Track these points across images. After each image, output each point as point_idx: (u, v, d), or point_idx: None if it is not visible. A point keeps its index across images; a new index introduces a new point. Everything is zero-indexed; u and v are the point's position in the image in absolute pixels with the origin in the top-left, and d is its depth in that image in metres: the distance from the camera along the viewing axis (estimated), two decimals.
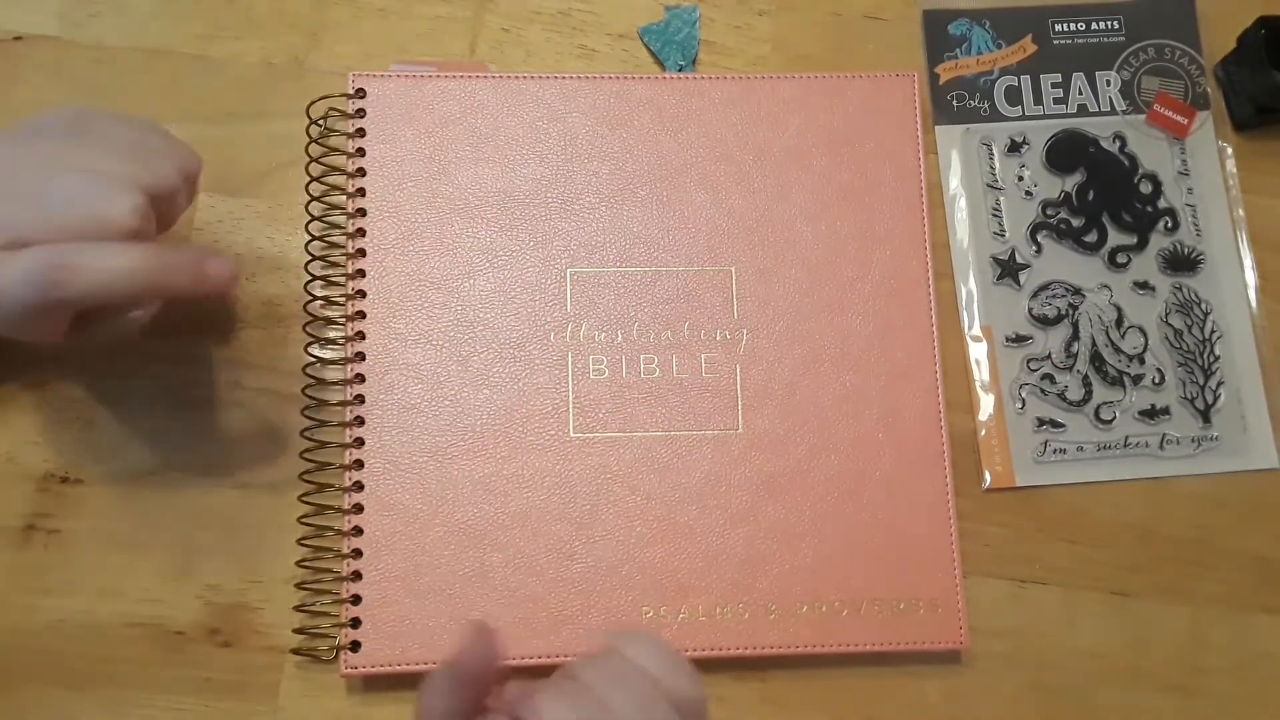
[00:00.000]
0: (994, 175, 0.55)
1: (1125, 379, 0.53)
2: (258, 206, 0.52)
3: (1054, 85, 0.56)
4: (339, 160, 0.51)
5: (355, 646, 0.46)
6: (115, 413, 0.49)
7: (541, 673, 0.45)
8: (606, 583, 0.47)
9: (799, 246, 0.52)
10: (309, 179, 0.51)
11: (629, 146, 0.52)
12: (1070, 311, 0.54)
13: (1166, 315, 0.54)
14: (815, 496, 0.49)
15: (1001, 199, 0.55)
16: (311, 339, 0.49)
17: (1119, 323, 0.54)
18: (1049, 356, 0.53)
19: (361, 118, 0.51)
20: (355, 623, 0.46)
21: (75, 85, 0.53)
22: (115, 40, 0.54)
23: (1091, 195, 0.55)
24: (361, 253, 0.50)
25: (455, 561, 0.47)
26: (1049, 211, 0.55)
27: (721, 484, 0.49)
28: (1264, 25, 0.55)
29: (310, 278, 0.50)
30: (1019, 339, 0.53)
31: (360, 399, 0.48)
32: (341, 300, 0.50)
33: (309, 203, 0.51)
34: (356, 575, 0.46)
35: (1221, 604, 0.51)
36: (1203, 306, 0.54)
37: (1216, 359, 0.54)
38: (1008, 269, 0.54)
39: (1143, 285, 0.54)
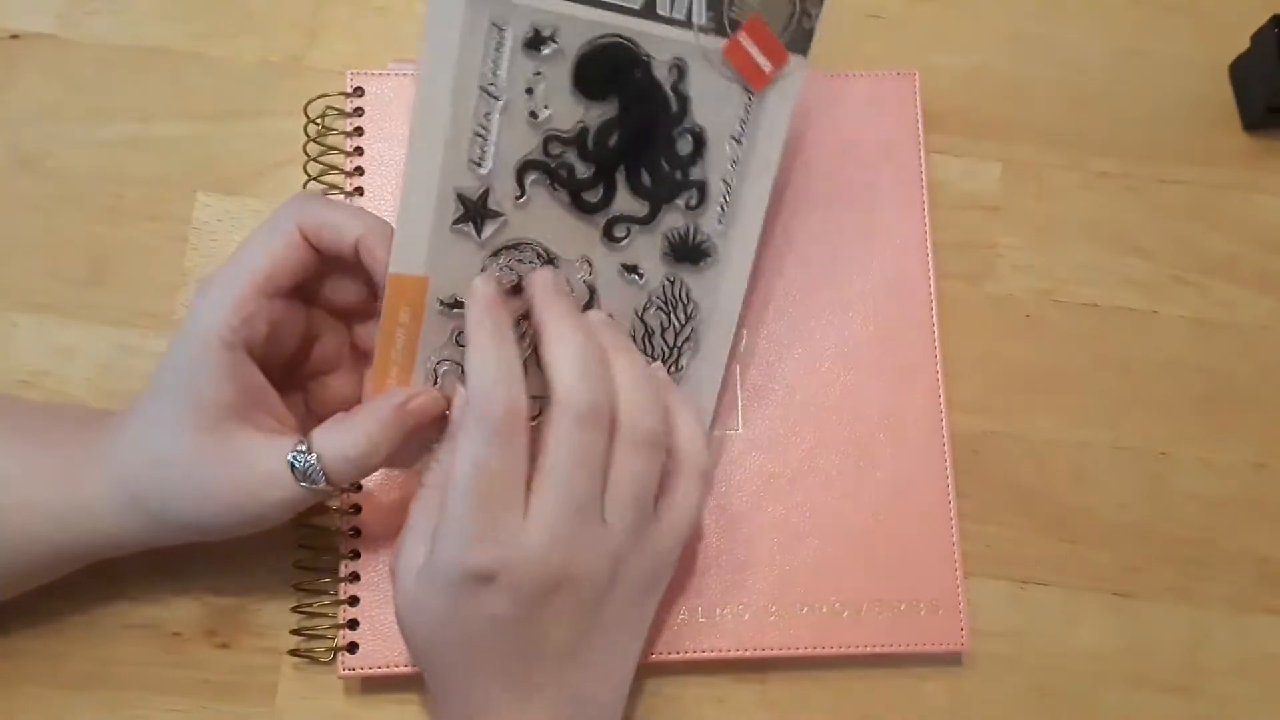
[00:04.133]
0: (495, 78, 0.40)
1: None
2: (255, 205, 0.52)
3: None
4: (337, 159, 0.51)
5: (353, 648, 0.46)
6: None
7: None
8: None
9: (799, 246, 0.52)
10: (307, 178, 0.51)
11: None
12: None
13: (644, 309, 0.44)
14: (815, 497, 0.49)
15: (495, 115, 0.40)
16: None
17: (586, 307, 0.43)
18: None
19: (360, 116, 0.51)
20: (353, 624, 0.46)
21: (73, 84, 0.53)
22: (113, 38, 0.54)
23: (615, 139, 0.42)
24: None
25: None
26: (552, 148, 0.41)
27: (721, 484, 0.49)
28: (1277, 24, 0.54)
29: None
30: (456, 305, 0.42)
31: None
32: None
33: None
34: (354, 576, 0.46)
35: (1224, 605, 0.51)
36: (687, 312, 0.45)
37: (679, 370, 0.46)
38: (473, 212, 0.41)
39: (632, 269, 0.43)
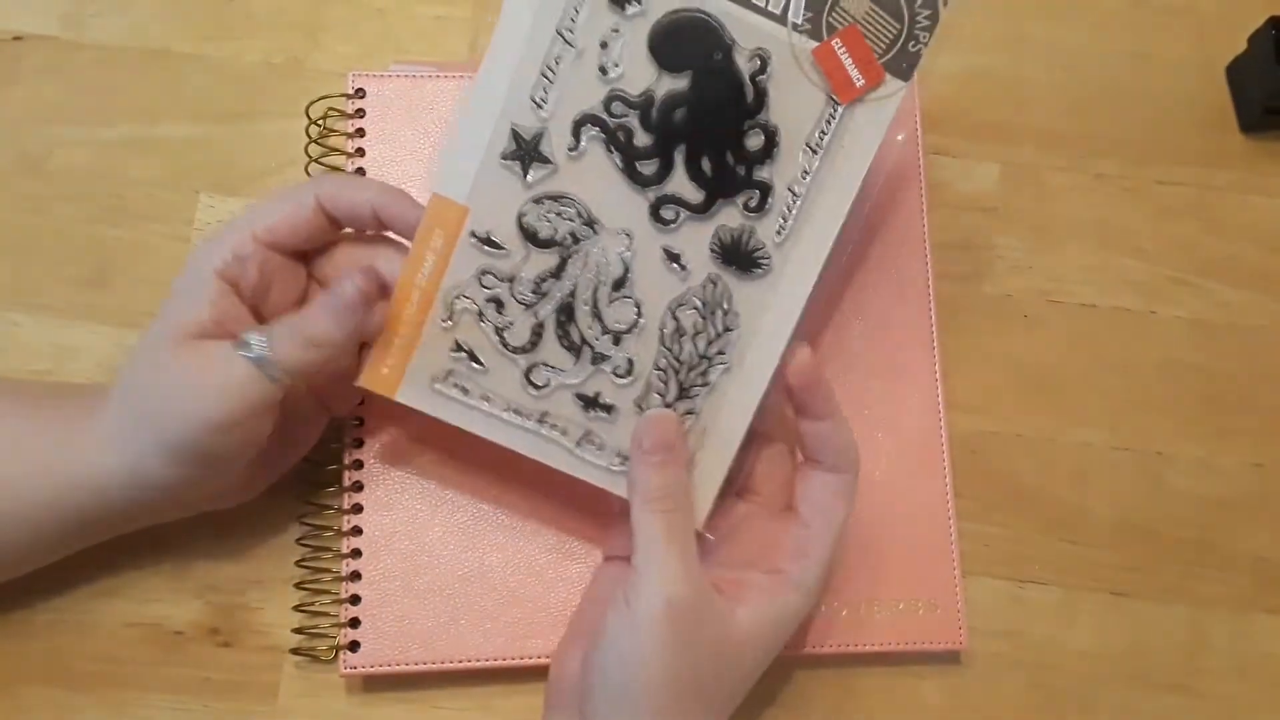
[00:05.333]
0: (573, 25, 0.40)
1: (586, 352, 0.42)
2: None
3: None
4: (338, 160, 0.51)
5: (354, 646, 0.46)
6: None
7: (542, 673, 0.45)
8: None
9: None
10: (308, 179, 0.51)
11: None
12: (570, 242, 0.42)
13: (679, 304, 0.42)
14: None
15: (563, 61, 0.40)
16: None
17: (619, 284, 0.42)
18: (514, 280, 0.42)
19: (361, 118, 0.51)
20: (354, 623, 0.46)
21: (75, 85, 0.53)
22: (115, 40, 0.54)
23: (681, 115, 0.41)
24: None
25: (454, 561, 0.47)
26: (615, 108, 0.40)
27: None
28: (1275, 25, 0.54)
29: None
30: (489, 242, 0.41)
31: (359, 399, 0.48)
32: None
33: None
34: (356, 575, 0.46)
35: (1222, 604, 0.51)
36: (725, 320, 0.42)
37: (702, 387, 0.43)
38: (525, 150, 0.41)
39: (675, 258, 0.42)
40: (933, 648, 0.48)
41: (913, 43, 0.40)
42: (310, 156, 0.51)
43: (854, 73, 0.40)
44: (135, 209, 0.52)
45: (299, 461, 0.47)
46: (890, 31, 0.40)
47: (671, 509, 0.41)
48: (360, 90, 0.52)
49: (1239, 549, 0.52)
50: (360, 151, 0.51)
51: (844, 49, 0.40)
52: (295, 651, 0.47)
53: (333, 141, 0.52)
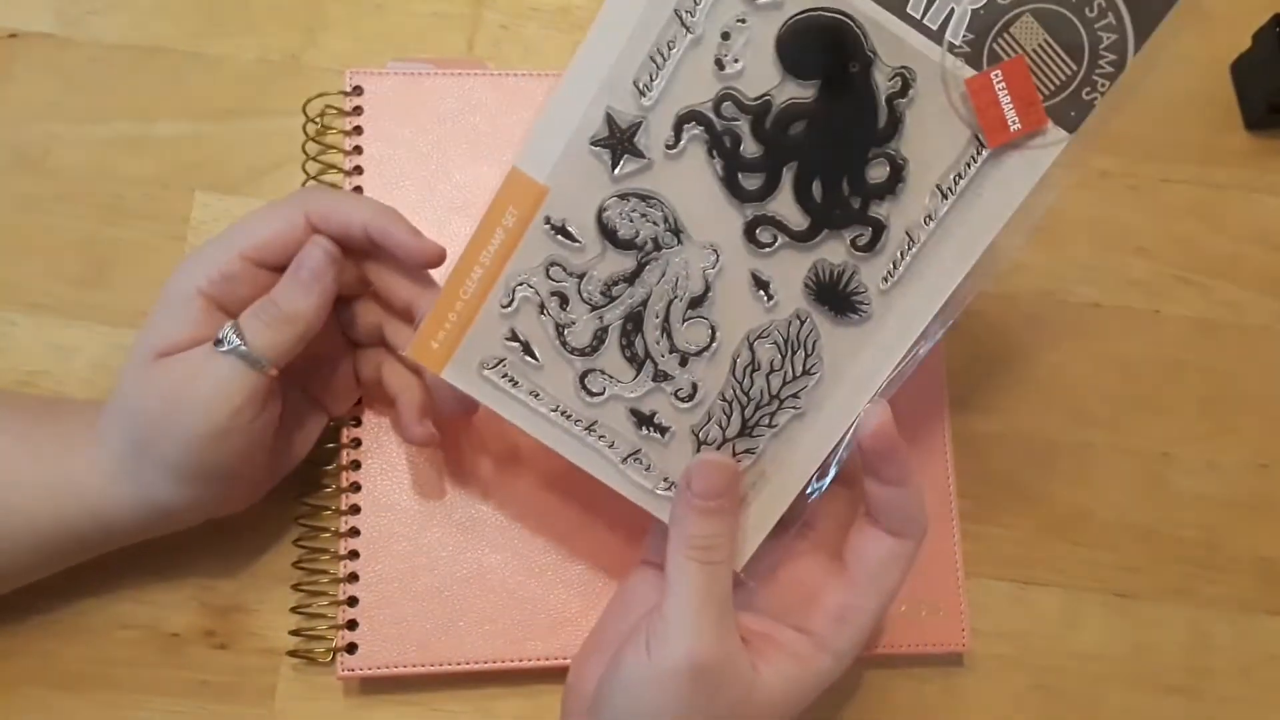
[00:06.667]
0: (694, 7, 0.35)
1: (648, 367, 0.39)
2: (254, 205, 0.51)
3: None
4: (336, 158, 0.51)
5: (352, 648, 0.45)
6: None
7: (541, 675, 0.45)
8: (607, 585, 0.47)
9: None
10: (306, 177, 0.51)
11: None
12: (650, 248, 0.38)
13: (758, 336, 0.38)
14: None
15: (679, 47, 0.36)
16: None
17: (696, 303, 0.38)
18: (583, 277, 0.38)
19: (359, 115, 0.51)
20: (352, 625, 0.46)
21: (71, 83, 0.53)
22: (111, 38, 0.54)
23: (798, 129, 0.36)
24: None
25: (453, 563, 0.47)
26: (725, 109, 0.36)
27: None
28: (1279, 23, 0.54)
29: None
30: (563, 232, 0.38)
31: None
32: None
33: None
34: (353, 577, 0.46)
35: (1225, 606, 0.50)
36: (806, 364, 0.38)
37: (769, 428, 0.39)
38: (618, 140, 0.37)
39: (763, 285, 0.38)
40: (935, 650, 0.48)
41: (1088, 90, 0.35)
42: (308, 154, 0.51)
43: (1010, 113, 0.35)
44: (132, 208, 0.52)
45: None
46: (1064, 72, 0.35)
47: (712, 560, 0.38)
48: (358, 88, 0.51)
49: (1242, 549, 0.51)
50: (358, 149, 0.51)
51: (1003, 83, 0.35)
52: (292, 654, 0.46)
53: (330, 139, 0.51)
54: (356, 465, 0.47)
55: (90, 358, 0.50)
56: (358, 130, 0.51)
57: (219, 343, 0.40)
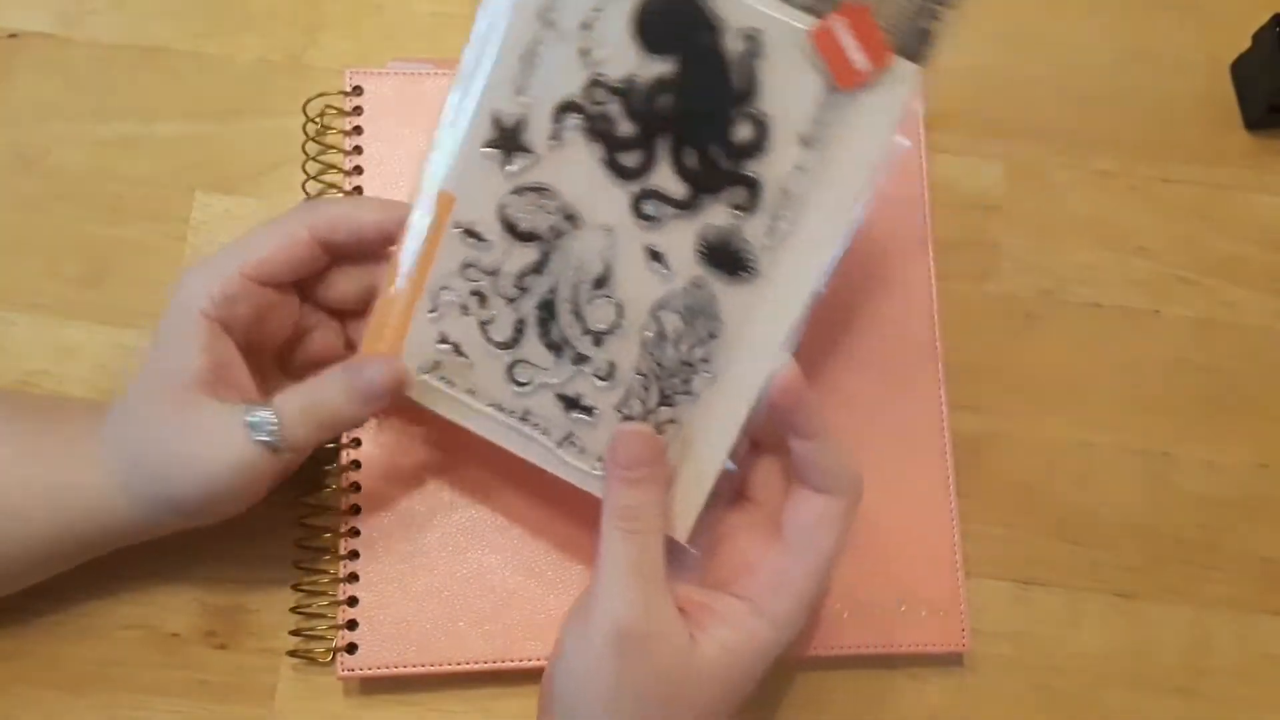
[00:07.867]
0: (554, 5, 0.37)
1: (567, 352, 0.40)
2: (254, 204, 0.52)
3: None
4: (336, 158, 0.51)
5: (352, 649, 0.45)
6: None
7: (541, 675, 0.45)
8: None
9: None
10: (306, 177, 0.51)
11: None
12: (550, 237, 0.39)
13: (661, 308, 0.40)
14: None
15: (546, 45, 0.38)
16: None
17: (599, 283, 0.40)
18: (496, 274, 0.40)
19: (359, 115, 0.51)
20: (352, 625, 0.46)
21: (71, 83, 0.53)
22: (111, 37, 0.54)
23: (665, 103, 0.38)
24: None
25: (453, 563, 0.47)
26: (596, 94, 0.38)
27: None
28: (1279, 23, 0.54)
29: None
30: (472, 234, 0.40)
31: None
32: None
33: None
34: (353, 577, 0.46)
35: (1226, 606, 0.50)
36: (710, 327, 0.39)
37: (685, 395, 0.40)
38: (505, 140, 0.39)
39: (658, 257, 0.39)
40: (935, 650, 0.48)
41: (926, 17, 0.36)
42: (308, 155, 0.51)
43: (856, 55, 0.36)
44: (132, 207, 0.52)
45: None
46: (900, 6, 0.36)
47: (638, 529, 0.39)
48: (358, 88, 0.51)
49: (1244, 550, 0.51)
50: (358, 149, 0.51)
51: (845, 28, 0.35)
52: (292, 654, 0.46)
53: (330, 139, 0.51)
54: (357, 465, 0.47)
55: (90, 357, 0.50)
56: (358, 130, 0.51)
57: (252, 426, 0.39)
